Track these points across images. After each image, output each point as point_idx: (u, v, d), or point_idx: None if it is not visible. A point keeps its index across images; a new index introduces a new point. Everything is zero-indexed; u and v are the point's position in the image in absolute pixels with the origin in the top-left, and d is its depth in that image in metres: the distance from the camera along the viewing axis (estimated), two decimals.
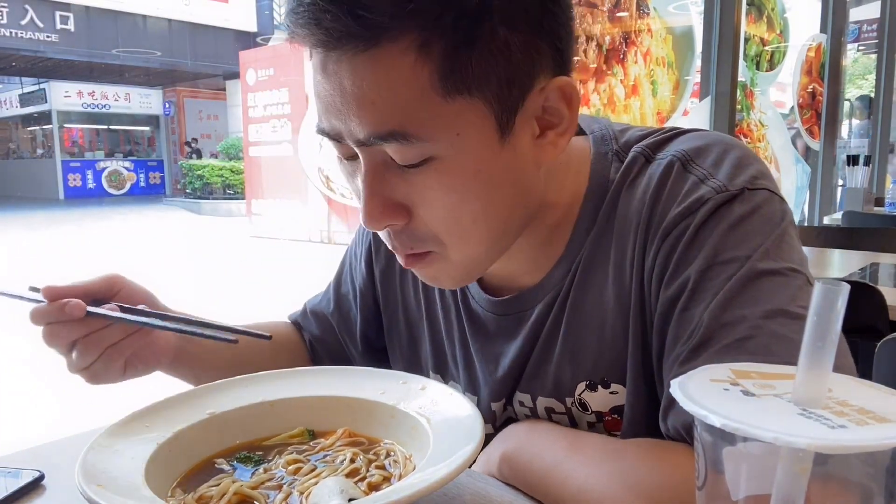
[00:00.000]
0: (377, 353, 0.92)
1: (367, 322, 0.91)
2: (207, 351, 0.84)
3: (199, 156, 19.66)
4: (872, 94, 6.36)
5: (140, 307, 0.72)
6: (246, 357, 0.85)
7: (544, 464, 0.61)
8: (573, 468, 0.59)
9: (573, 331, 0.69)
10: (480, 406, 0.78)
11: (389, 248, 0.65)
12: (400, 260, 0.65)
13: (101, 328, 0.70)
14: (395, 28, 0.52)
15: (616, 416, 0.69)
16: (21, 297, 0.70)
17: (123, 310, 0.71)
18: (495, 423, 0.78)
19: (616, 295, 0.66)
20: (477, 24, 0.54)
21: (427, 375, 0.85)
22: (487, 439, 0.74)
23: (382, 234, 0.63)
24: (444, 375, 0.83)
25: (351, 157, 0.61)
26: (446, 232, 0.61)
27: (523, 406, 0.75)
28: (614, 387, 0.68)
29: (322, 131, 0.60)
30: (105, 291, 0.73)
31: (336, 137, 0.59)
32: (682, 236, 0.61)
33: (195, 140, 20.70)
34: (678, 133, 0.69)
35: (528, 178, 0.63)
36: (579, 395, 0.70)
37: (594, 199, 0.68)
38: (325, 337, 0.95)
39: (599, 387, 0.69)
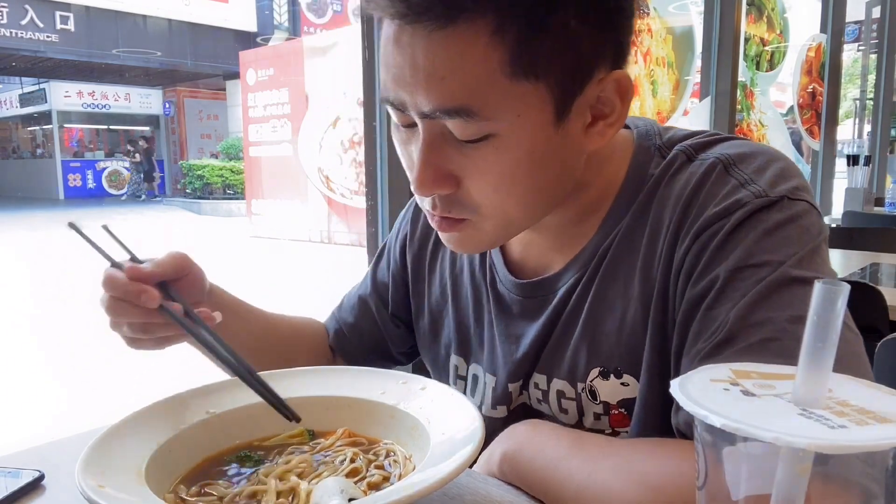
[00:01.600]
0: (412, 334, 0.95)
1: (401, 303, 0.94)
2: (243, 332, 0.86)
3: (148, 155, 19.09)
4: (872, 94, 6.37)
5: (200, 312, 0.72)
6: (278, 345, 0.91)
7: (546, 461, 0.61)
8: (576, 464, 0.59)
9: (594, 315, 0.70)
10: (497, 386, 0.79)
11: (426, 210, 0.68)
12: (432, 222, 0.68)
13: (161, 323, 0.71)
14: (474, 9, 0.55)
15: (623, 410, 0.70)
16: (91, 243, 0.72)
17: (184, 310, 0.72)
18: (510, 406, 0.79)
19: (641, 287, 0.67)
20: (551, 13, 0.56)
21: (448, 358, 0.87)
22: (500, 422, 0.76)
23: (424, 198, 0.67)
24: (467, 358, 0.85)
25: (409, 126, 0.64)
26: (489, 204, 0.64)
27: (537, 388, 0.76)
28: (626, 378, 0.69)
29: (386, 100, 0.63)
30: (174, 274, 0.75)
31: (399, 107, 0.62)
32: (715, 236, 0.61)
33: (144, 139, 19.87)
34: (724, 138, 0.70)
35: (573, 162, 0.66)
36: (591, 381, 0.71)
37: (631, 190, 0.70)
38: (360, 322, 0.97)
39: (612, 376, 0.69)
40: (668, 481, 0.53)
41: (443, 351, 0.88)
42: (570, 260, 0.73)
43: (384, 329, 0.96)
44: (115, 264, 0.71)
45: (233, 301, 0.88)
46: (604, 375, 0.70)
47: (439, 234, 0.70)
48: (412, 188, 0.64)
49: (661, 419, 0.65)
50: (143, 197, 19.06)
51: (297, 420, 0.66)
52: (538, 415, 0.77)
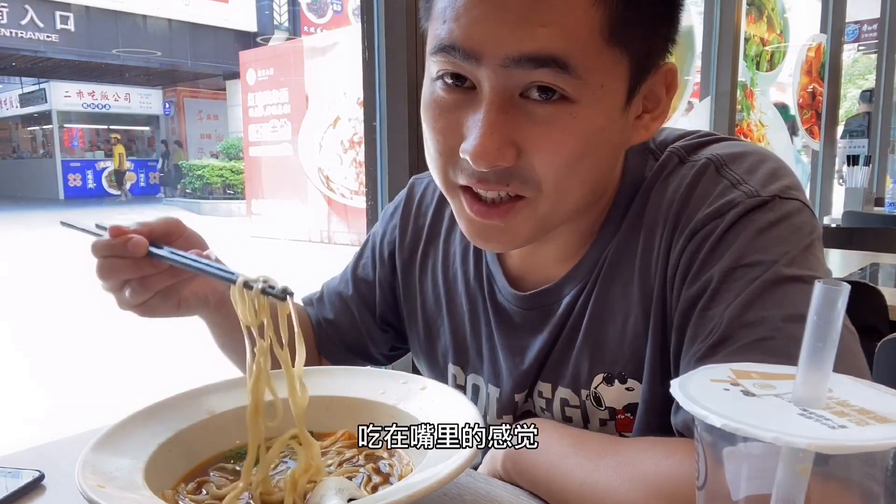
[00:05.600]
0: (398, 337, 0.94)
1: (388, 306, 0.92)
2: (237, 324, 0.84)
3: None
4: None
5: (192, 251, 0.69)
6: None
7: (549, 459, 0.61)
8: (578, 462, 0.59)
9: (595, 323, 0.70)
10: (502, 397, 0.78)
11: (460, 201, 0.64)
12: (470, 210, 0.64)
13: (156, 272, 0.69)
14: None
15: (629, 414, 0.70)
16: (85, 230, 0.71)
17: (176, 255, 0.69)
18: (515, 414, 0.78)
19: (640, 291, 0.67)
20: None
21: (445, 368, 0.86)
22: None
23: (465, 173, 0.62)
24: (465, 368, 0.84)
25: (461, 88, 0.60)
26: (552, 178, 0.60)
27: (541, 397, 0.76)
28: (631, 382, 0.69)
29: (450, 47, 0.58)
30: (165, 235, 0.72)
31: (471, 53, 0.57)
32: (709, 237, 0.61)
33: None
34: (716, 139, 0.70)
35: (620, 153, 0.66)
36: (595, 387, 0.71)
37: (626, 195, 0.70)
38: (340, 319, 0.95)
39: (616, 381, 0.69)
40: (668, 481, 0.53)
41: (441, 360, 0.86)
42: (570, 269, 0.72)
43: (365, 331, 0.94)
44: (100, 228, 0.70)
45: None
46: (608, 381, 0.70)
47: (469, 224, 0.65)
48: (469, 157, 0.59)
49: (661, 420, 0.65)
50: None
51: (291, 294, 0.59)
52: None
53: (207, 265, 0.66)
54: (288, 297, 0.58)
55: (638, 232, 0.68)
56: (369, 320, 0.94)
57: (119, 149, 19.16)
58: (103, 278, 0.70)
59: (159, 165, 20.51)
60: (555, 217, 0.65)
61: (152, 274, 0.69)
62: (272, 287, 0.60)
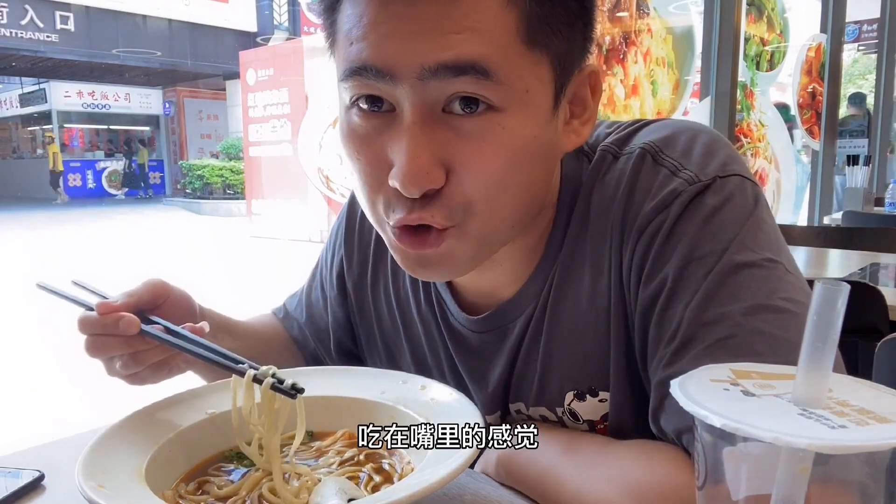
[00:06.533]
0: (352, 362, 0.91)
1: (343, 332, 0.90)
2: (239, 351, 0.84)
3: None
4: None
5: (185, 326, 0.69)
6: (262, 356, 0.87)
7: (540, 467, 0.61)
8: (568, 472, 0.59)
9: (553, 340, 0.68)
10: None
11: (388, 227, 0.60)
12: (400, 242, 0.60)
13: (149, 348, 0.68)
14: None
15: (608, 423, 0.69)
16: (63, 296, 0.70)
17: (168, 330, 0.69)
18: None
19: (595, 298, 0.65)
20: None
21: None
22: None
23: (392, 209, 0.58)
24: None
25: (379, 112, 0.57)
26: (484, 198, 0.57)
27: (520, 414, 0.75)
28: (602, 394, 0.67)
29: (361, 69, 0.55)
30: (152, 301, 0.72)
31: (385, 70, 0.54)
32: (657, 232, 0.60)
33: None
34: (643, 125, 0.68)
35: (555, 162, 0.63)
36: (569, 404, 0.70)
37: (567, 204, 0.68)
38: (302, 340, 0.94)
39: (588, 396, 0.68)
40: (657, 491, 0.53)
41: None
42: (521, 287, 0.70)
43: (325, 358, 0.92)
44: (88, 309, 0.68)
45: (226, 321, 0.84)
46: (579, 397, 0.69)
47: (403, 256, 0.61)
48: (399, 184, 0.55)
49: (635, 424, 0.64)
50: None
51: (301, 391, 0.61)
52: None
53: (209, 352, 0.65)
54: (298, 394, 0.59)
55: (584, 239, 0.66)
56: (321, 348, 0.92)
57: (53, 148, 18.69)
58: (94, 355, 0.68)
59: (123, 165, 20.58)
60: (492, 236, 0.61)
61: (144, 350, 0.68)
62: (281, 382, 0.60)
